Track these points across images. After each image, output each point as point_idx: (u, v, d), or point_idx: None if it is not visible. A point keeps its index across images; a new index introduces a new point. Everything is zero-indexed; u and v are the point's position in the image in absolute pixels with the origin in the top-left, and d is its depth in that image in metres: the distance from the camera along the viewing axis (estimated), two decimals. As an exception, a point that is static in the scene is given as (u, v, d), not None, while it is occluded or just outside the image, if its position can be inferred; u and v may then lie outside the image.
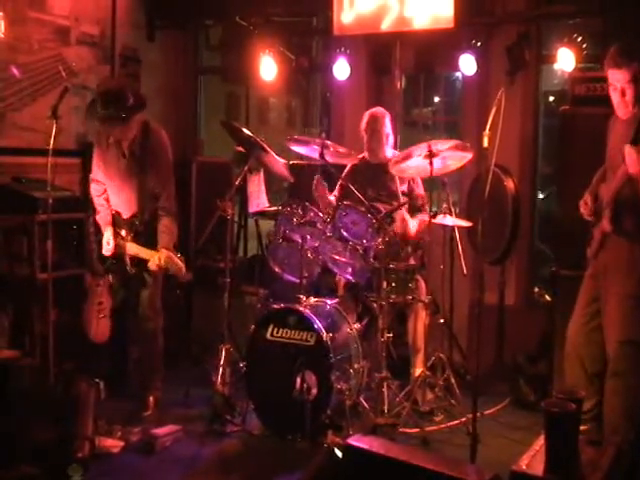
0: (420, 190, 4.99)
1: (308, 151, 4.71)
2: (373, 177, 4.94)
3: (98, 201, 4.64)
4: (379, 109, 5.06)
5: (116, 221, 4.58)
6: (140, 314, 4.62)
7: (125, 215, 4.55)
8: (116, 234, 4.54)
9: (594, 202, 3.90)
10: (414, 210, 4.91)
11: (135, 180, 4.49)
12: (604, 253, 3.86)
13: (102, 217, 4.61)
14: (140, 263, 4.44)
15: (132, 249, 4.47)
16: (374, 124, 4.95)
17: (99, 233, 4.58)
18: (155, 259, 4.29)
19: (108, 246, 4.52)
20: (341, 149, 4.67)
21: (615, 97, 3.80)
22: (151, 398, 4.62)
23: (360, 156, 5.00)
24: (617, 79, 3.75)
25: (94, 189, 4.66)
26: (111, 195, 4.61)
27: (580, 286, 4.01)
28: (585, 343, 3.95)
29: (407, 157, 4.52)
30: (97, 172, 4.64)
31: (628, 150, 3.57)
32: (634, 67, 3.70)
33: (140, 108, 4.40)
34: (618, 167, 3.74)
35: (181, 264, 4.31)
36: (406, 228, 4.76)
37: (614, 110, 3.88)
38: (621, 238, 3.76)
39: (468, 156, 4.48)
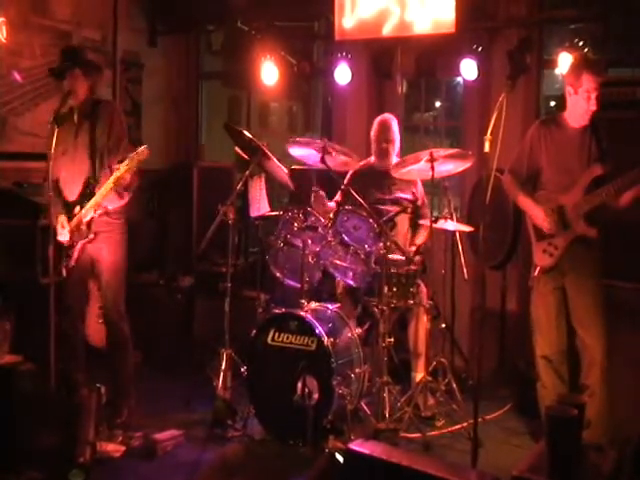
0: (422, 200, 5.01)
1: (309, 156, 4.70)
2: (378, 181, 4.94)
3: (53, 185, 4.27)
4: (389, 116, 5.03)
5: (66, 207, 4.35)
6: (106, 323, 4.49)
7: (75, 194, 4.32)
8: (69, 219, 4.30)
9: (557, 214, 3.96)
10: (416, 217, 4.92)
11: (86, 137, 4.33)
12: (568, 259, 3.94)
13: (55, 202, 4.28)
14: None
15: (89, 211, 4.24)
16: (385, 132, 4.93)
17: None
18: (117, 174, 4.05)
19: (63, 229, 4.28)
20: (342, 150, 4.65)
21: (584, 104, 3.87)
22: (124, 405, 4.45)
23: (363, 162, 5.01)
24: (595, 87, 3.81)
25: (52, 174, 4.22)
26: (64, 168, 4.37)
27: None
28: (563, 360, 4.08)
29: (409, 163, 4.56)
30: (54, 149, 4.25)
31: None
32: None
33: (93, 67, 4.56)
34: (577, 174, 3.87)
35: (141, 148, 4.07)
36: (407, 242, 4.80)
37: (556, 118, 4.03)
38: (582, 240, 3.89)
39: (468, 164, 4.53)
